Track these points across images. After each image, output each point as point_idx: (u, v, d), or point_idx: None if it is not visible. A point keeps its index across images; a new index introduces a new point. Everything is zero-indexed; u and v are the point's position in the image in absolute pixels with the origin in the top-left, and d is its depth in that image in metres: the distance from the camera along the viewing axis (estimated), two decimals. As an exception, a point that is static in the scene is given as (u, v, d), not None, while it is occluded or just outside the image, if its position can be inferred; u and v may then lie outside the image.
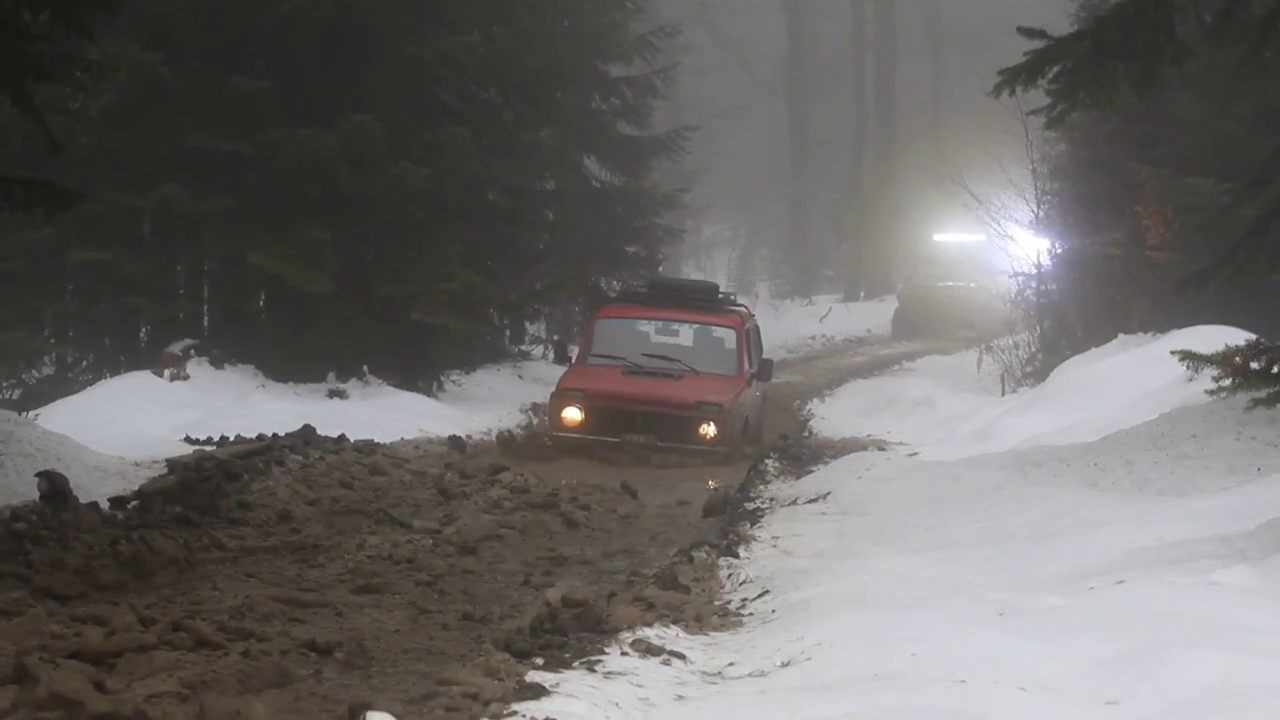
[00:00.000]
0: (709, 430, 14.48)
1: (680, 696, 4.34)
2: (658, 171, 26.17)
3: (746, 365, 15.85)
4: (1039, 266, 20.30)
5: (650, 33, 24.68)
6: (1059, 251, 19.67)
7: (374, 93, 17.09)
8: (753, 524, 8.98)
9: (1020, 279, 21.09)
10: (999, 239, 21.68)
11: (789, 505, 10.09)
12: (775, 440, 15.29)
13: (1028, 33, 9.09)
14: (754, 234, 51.35)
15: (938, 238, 36.12)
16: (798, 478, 11.74)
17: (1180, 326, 13.88)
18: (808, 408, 20.38)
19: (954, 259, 33.87)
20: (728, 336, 15.99)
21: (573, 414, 14.75)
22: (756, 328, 17.17)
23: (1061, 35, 9.27)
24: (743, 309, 16.91)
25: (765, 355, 17.19)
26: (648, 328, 16.27)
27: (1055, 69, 9.11)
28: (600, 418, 14.63)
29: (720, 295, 17.06)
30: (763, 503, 10.43)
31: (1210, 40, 9.07)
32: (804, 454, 13.75)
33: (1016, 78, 9.22)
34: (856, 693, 4.09)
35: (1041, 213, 19.95)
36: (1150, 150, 16.33)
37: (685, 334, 16.15)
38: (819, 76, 48.27)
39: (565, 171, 23.75)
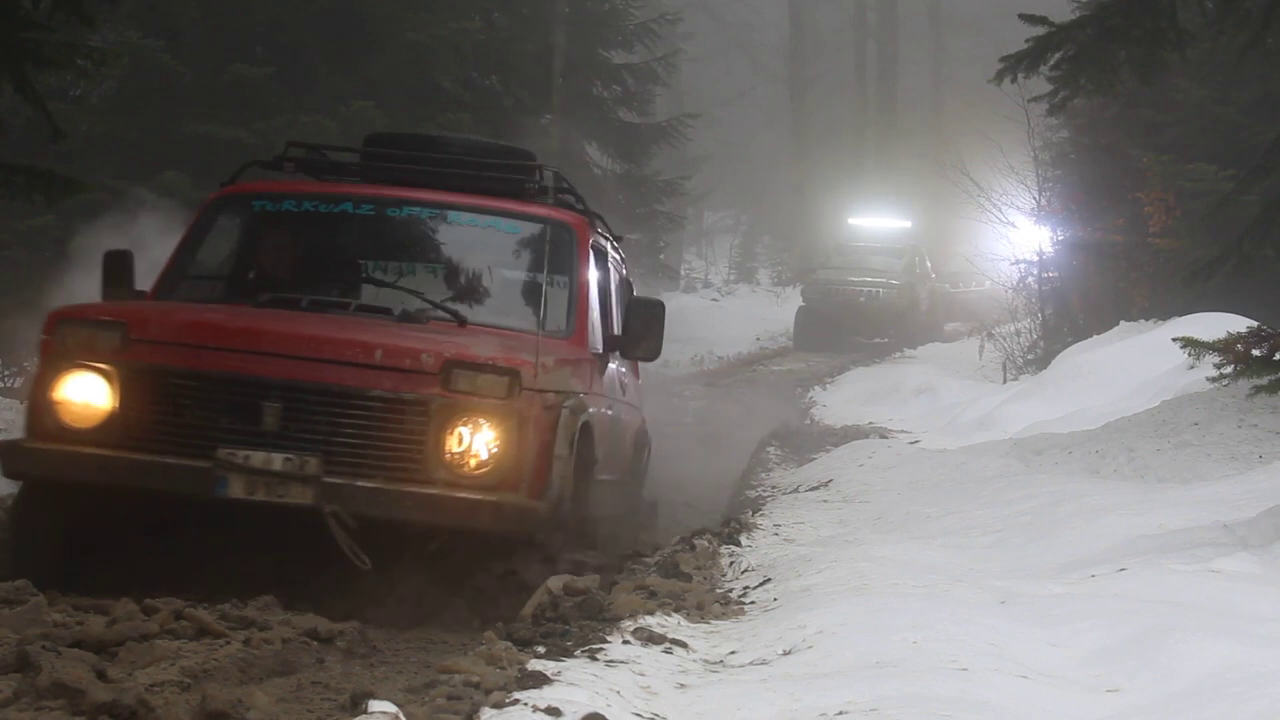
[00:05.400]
0: (477, 449, 6.21)
1: (682, 685, 4.34)
2: (659, 159, 26.13)
3: (594, 320, 7.62)
4: (1041, 254, 20.31)
5: (651, 19, 24.66)
6: (1061, 238, 19.69)
7: (375, 79, 17.07)
8: (754, 512, 8.99)
9: (1022, 265, 21.11)
10: (1000, 226, 21.69)
11: (790, 493, 10.10)
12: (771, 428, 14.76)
13: (1029, 19, 9.09)
14: (755, 221, 51.32)
15: (854, 221, 31.96)
16: (799, 465, 11.75)
17: (1182, 313, 13.89)
18: (809, 395, 20.37)
19: (873, 249, 29.47)
20: (545, 245, 7.21)
21: (86, 396, 6.27)
22: (625, 279, 9.04)
23: (1063, 21, 9.27)
24: (585, 211, 7.98)
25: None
26: (350, 224, 7.62)
27: (1057, 55, 9.12)
28: (164, 406, 6.21)
29: (534, 173, 8.02)
30: (764, 490, 10.44)
31: (1213, 26, 9.07)
32: (805, 442, 13.74)
33: (1018, 64, 9.23)
34: (858, 680, 4.09)
35: (1044, 199, 19.95)
36: (1152, 136, 16.34)
37: (446, 240, 7.65)
38: (820, 63, 48.26)
39: (566, 158, 23.73)
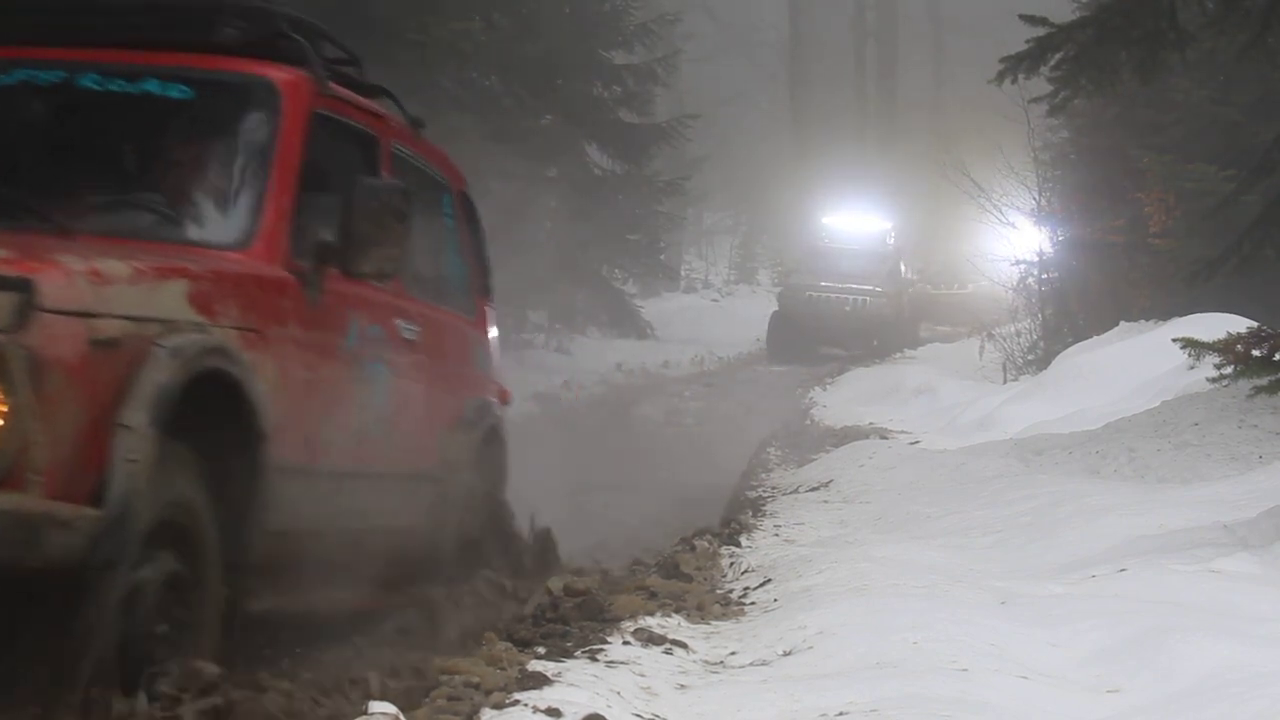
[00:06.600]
0: None
1: (682, 686, 4.34)
2: (659, 159, 26.14)
3: (308, 226, 4.77)
4: (1041, 254, 20.33)
5: (651, 20, 24.66)
6: (1061, 239, 19.70)
7: (374, 79, 17.06)
8: (754, 512, 8.99)
9: (1022, 266, 21.12)
10: (999, 226, 21.69)
11: (790, 493, 10.09)
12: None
13: (1030, 20, 9.09)
14: (755, 221, 51.30)
15: (828, 221, 30.10)
16: (799, 466, 11.74)
17: (1183, 313, 13.87)
18: (809, 395, 20.37)
19: (853, 252, 27.58)
20: (230, 116, 4.95)
21: None
22: (467, 201, 7.05)
23: (1063, 22, 9.27)
24: (314, 67, 5.18)
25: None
26: None
27: (1057, 56, 9.12)
28: None
29: (246, 16, 5.12)
30: (764, 491, 10.44)
31: (1213, 27, 9.07)
32: (805, 442, 13.74)
33: (1018, 65, 9.23)
34: (858, 681, 4.10)
35: (1044, 200, 19.96)
36: (1152, 137, 16.32)
37: (79, 113, 4.98)
38: (820, 63, 48.24)
39: (567, 159, 23.71)
